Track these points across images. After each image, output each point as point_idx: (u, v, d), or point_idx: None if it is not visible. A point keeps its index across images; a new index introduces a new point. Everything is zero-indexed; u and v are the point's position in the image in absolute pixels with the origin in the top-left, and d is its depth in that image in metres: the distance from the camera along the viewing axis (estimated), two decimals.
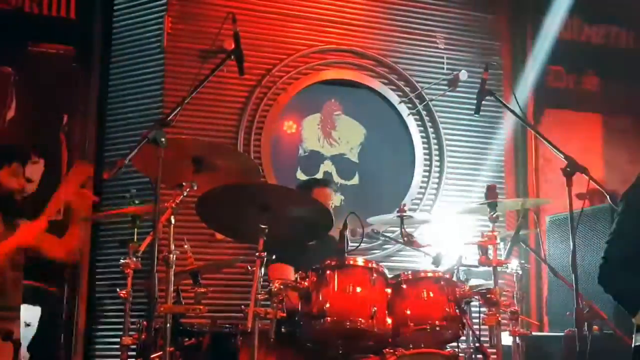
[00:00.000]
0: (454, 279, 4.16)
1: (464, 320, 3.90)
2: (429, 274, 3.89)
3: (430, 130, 5.69)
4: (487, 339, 4.24)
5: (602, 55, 6.58)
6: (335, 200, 4.74)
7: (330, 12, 5.61)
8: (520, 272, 4.51)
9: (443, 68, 5.77)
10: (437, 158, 5.69)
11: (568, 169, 3.73)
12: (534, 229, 5.22)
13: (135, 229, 3.64)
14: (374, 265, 3.67)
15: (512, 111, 4.18)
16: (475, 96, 3.89)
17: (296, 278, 3.47)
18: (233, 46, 3.23)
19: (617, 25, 6.61)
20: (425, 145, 5.67)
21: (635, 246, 2.57)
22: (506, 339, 4.24)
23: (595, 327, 4.16)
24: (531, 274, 5.65)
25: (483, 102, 4.32)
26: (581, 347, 3.31)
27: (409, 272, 3.89)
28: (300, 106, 5.50)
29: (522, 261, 4.64)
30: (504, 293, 4.39)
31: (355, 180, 5.52)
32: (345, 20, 5.63)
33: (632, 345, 2.69)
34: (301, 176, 5.37)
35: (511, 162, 6.08)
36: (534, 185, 6.08)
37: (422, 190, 5.62)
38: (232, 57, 3.22)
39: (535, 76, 6.16)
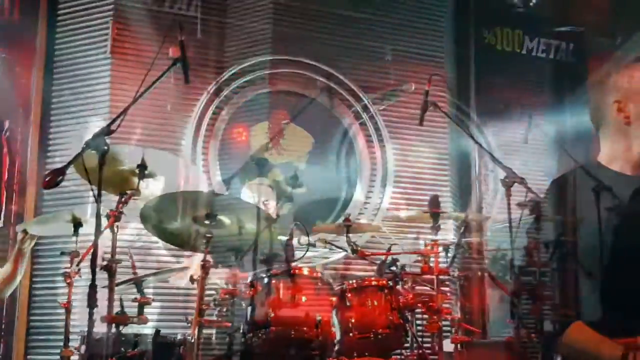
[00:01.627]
0: (398, 287, 4.20)
1: (407, 328, 3.93)
2: (373, 283, 3.90)
3: (377, 140, 5.68)
4: (430, 346, 4.34)
5: (543, 67, 6.65)
6: (284, 206, 4.68)
7: (282, 23, 5.58)
8: (462, 280, 4.55)
9: (390, 79, 5.79)
10: (383, 166, 5.69)
11: (506, 180, 3.83)
12: (477, 237, 5.24)
13: (76, 237, 3.55)
14: (319, 274, 3.65)
15: (456, 123, 4.21)
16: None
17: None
18: (179, 54, 3.16)
19: (557, 39, 6.68)
20: (372, 155, 5.66)
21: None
22: (448, 346, 4.28)
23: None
24: (473, 281, 5.67)
25: (429, 113, 4.39)
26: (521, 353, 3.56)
27: (354, 281, 3.90)
28: (249, 114, 5.46)
29: (464, 269, 4.68)
30: (446, 301, 4.46)
31: (303, 188, 5.47)
32: (296, 32, 5.61)
33: None
34: (249, 184, 5.29)
35: (456, 171, 6.08)
36: (477, 195, 6.10)
37: (368, 200, 5.60)
38: (178, 65, 3.15)
39: (476, 87, 6.22)
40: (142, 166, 3.17)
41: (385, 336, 3.71)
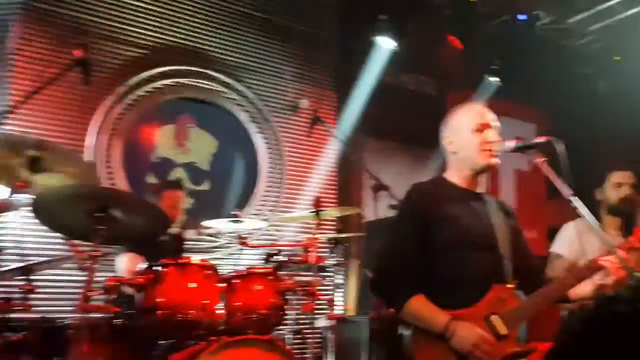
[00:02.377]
0: (283, 274, 3.91)
1: (286, 309, 3.62)
2: (259, 271, 3.53)
3: (274, 147, 5.26)
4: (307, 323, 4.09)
5: (413, 98, 6.43)
6: (186, 202, 4.16)
7: (189, 36, 5.00)
8: (337, 267, 4.32)
9: (288, 96, 5.42)
10: (279, 171, 5.28)
11: (374, 186, 3.67)
12: (354, 232, 4.99)
13: None
14: (208, 263, 3.22)
15: (336, 136, 4.04)
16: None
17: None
18: (82, 55, 2.64)
19: (424, 75, 6.50)
20: (270, 160, 5.21)
21: (400, 255, 2.42)
22: (324, 322, 4.10)
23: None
24: (348, 269, 5.36)
25: (318, 127, 4.16)
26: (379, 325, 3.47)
27: (243, 269, 3.53)
28: (156, 116, 4.80)
29: (342, 258, 4.43)
30: (323, 285, 4.20)
31: (205, 186, 4.96)
32: (204, 45, 5.07)
33: (398, 333, 2.64)
34: (152, 181, 4.71)
35: (342, 176, 5.75)
36: (359, 196, 5.78)
37: (266, 197, 5.14)
38: (80, 65, 2.63)
39: (363, 109, 5.88)
40: (36, 159, 2.59)
41: (266, 316, 3.36)
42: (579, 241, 3.32)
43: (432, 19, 5.90)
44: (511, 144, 2.42)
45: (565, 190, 2.25)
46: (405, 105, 6.32)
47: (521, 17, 5.94)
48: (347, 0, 5.63)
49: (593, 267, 2.41)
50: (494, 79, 6.24)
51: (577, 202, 2.23)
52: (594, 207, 3.48)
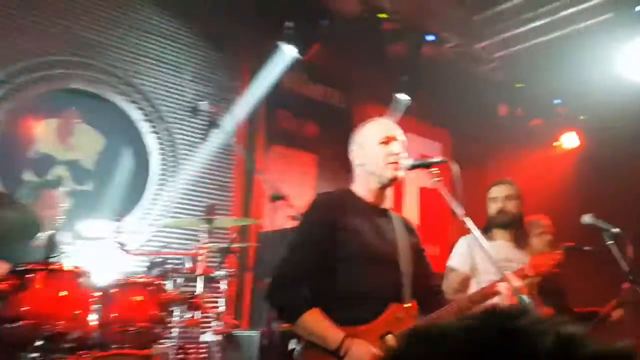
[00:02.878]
0: (170, 284, 3.82)
1: (168, 322, 3.54)
2: (139, 280, 3.44)
3: (169, 149, 5.13)
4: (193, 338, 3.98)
5: (320, 109, 6.52)
6: (65, 202, 3.94)
7: (80, 25, 4.76)
8: (228, 278, 4.25)
9: (187, 97, 5.28)
10: (172, 175, 5.13)
11: (272, 196, 3.66)
12: (247, 243, 4.96)
13: None
14: (82, 270, 3.08)
15: (234, 143, 4.00)
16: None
17: None
18: None
19: (332, 87, 6.60)
20: (163, 163, 5.08)
21: (299, 265, 2.45)
22: (210, 337, 3.93)
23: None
24: (240, 280, 5.30)
25: (217, 131, 4.09)
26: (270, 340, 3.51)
27: (121, 277, 3.41)
28: (38, 109, 4.55)
29: (232, 269, 4.37)
30: (210, 297, 4.14)
31: (88, 186, 4.74)
32: (96, 36, 4.84)
33: (288, 348, 2.66)
34: (30, 177, 4.44)
35: (240, 184, 5.69)
36: (258, 205, 5.76)
37: (156, 201, 5.00)
38: None
39: (266, 116, 5.96)
40: None
41: (146, 329, 3.30)
42: (471, 255, 3.49)
43: (341, 32, 6.01)
44: (409, 161, 2.53)
45: (458, 210, 2.37)
46: (312, 115, 6.41)
47: (429, 37, 6.19)
48: (257, 4, 5.61)
49: (489, 292, 2.54)
50: (401, 96, 6.44)
51: (469, 222, 2.35)
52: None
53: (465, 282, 3.41)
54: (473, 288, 3.33)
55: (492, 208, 3.71)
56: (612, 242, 3.70)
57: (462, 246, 3.63)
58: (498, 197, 3.70)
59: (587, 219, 3.79)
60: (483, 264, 3.39)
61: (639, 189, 8.24)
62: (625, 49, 5.86)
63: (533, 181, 7.21)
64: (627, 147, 7.88)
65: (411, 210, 7.24)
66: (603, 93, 7.29)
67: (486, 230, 3.68)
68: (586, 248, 4.27)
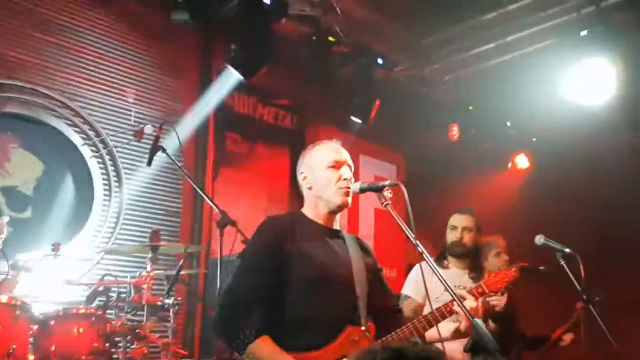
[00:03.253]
0: (114, 314, 3.73)
1: (113, 354, 3.45)
2: (81, 311, 3.35)
3: (113, 174, 5.07)
4: None
5: (271, 131, 6.58)
6: (3, 231, 3.80)
7: (14, 47, 4.66)
8: (176, 307, 4.16)
9: (130, 120, 5.24)
10: (117, 201, 5.06)
11: (221, 222, 3.61)
12: (196, 270, 4.88)
13: None
14: (18, 301, 2.97)
15: (180, 167, 3.97)
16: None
17: None
18: None
19: (283, 109, 6.68)
20: (106, 188, 5.00)
21: (246, 293, 2.43)
22: None
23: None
24: (189, 308, 5.21)
25: (164, 156, 4.04)
26: None
27: (61, 308, 3.30)
28: None
29: (180, 297, 4.29)
30: (157, 327, 4.05)
31: (27, 213, 4.60)
32: (32, 58, 4.75)
33: None
34: None
35: (188, 209, 5.64)
36: (207, 232, 5.70)
37: (99, 228, 4.89)
38: None
39: (215, 139, 5.98)
40: None
41: None
42: (424, 283, 3.53)
43: (292, 55, 6.09)
44: (357, 185, 2.56)
45: (410, 234, 2.42)
46: (263, 137, 6.45)
47: (379, 60, 6.33)
48: (203, 26, 5.62)
49: (445, 312, 2.61)
50: (354, 118, 6.54)
51: (420, 247, 2.39)
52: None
53: (418, 309, 3.51)
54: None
55: (450, 236, 3.87)
56: (564, 262, 3.80)
57: (415, 272, 3.72)
58: (458, 226, 3.86)
59: (540, 239, 3.89)
60: (436, 291, 3.46)
61: (589, 209, 8.56)
62: (571, 73, 6.10)
63: (487, 202, 7.41)
64: (576, 168, 8.19)
65: (367, 233, 7.30)
66: (551, 115, 7.58)
67: (441, 256, 3.85)
68: (541, 268, 4.39)
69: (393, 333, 2.50)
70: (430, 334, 2.61)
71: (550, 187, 8.08)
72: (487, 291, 2.92)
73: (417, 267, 3.71)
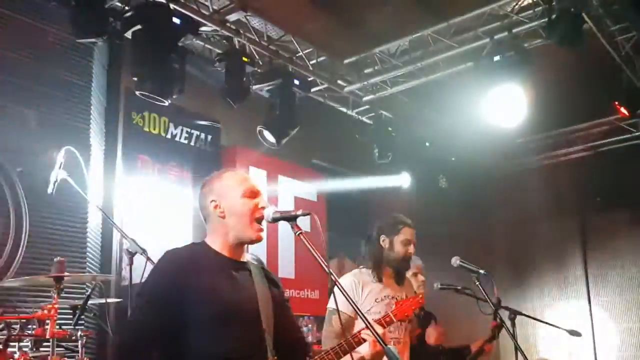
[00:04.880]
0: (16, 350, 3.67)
1: None
2: None
3: (14, 200, 4.99)
4: None
5: (183, 151, 6.70)
6: None
7: None
8: (84, 339, 4.16)
9: (32, 143, 5.16)
10: (19, 227, 4.97)
11: (130, 250, 3.63)
12: (106, 299, 4.86)
13: None
14: None
15: (83, 194, 4.00)
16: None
17: None
18: None
19: (197, 130, 6.81)
20: (7, 215, 4.91)
21: (141, 330, 2.47)
22: None
23: None
24: (100, 339, 5.19)
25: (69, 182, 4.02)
26: None
27: None
28: None
29: (88, 329, 4.30)
30: None
31: None
32: None
33: None
34: None
35: (96, 237, 5.65)
36: (112, 260, 5.75)
37: None
38: None
39: (125, 163, 6.06)
40: None
41: None
42: (353, 295, 3.69)
43: (204, 74, 6.23)
44: (270, 214, 2.62)
45: (323, 262, 2.50)
46: (177, 159, 6.53)
47: (296, 81, 6.55)
48: (108, 47, 5.66)
49: (354, 341, 2.77)
50: (271, 138, 6.70)
51: (333, 275, 2.55)
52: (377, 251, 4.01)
53: (349, 323, 3.60)
54: (357, 329, 3.53)
55: (402, 250, 3.92)
56: (478, 283, 4.06)
57: (345, 285, 3.80)
58: (411, 241, 3.95)
59: (455, 261, 4.13)
60: (367, 304, 3.72)
61: (504, 228, 9.11)
62: (488, 96, 6.53)
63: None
64: (491, 187, 8.72)
65: (288, 255, 7.46)
66: (469, 136, 8.05)
67: (378, 268, 3.92)
68: (458, 287, 4.70)
69: None
70: None
71: (466, 206, 8.56)
72: (394, 320, 3.12)
73: (347, 280, 3.84)
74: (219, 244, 2.63)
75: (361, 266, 4.03)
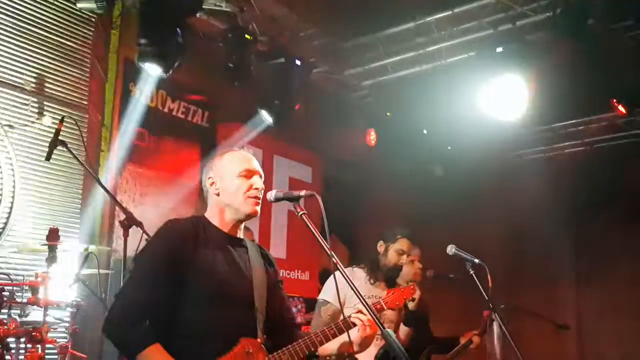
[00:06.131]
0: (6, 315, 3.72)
1: (5, 357, 3.49)
2: None
3: (8, 166, 4.96)
4: None
5: (180, 126, 6.63)
6: None
7: None
8: (76, 309, 4.20)
9: (27, 110, 5.15)
10: (11, 195, 4.98)
11: (125, 222, 3.65)
12: (98, 269, 4.88)
13: None
14: None
15: (81, 163, 4.01)
16: None
17: None
18: None
19: (195, 105, 6.75)
20: (0, 182, 4.92)
21: (137, 301, 2.50)
22: None
23: None
24: (90, 310, 5.20)
25: (65, 150, 4.03)
26: None
27: None
28: None
29: (80, 299, 4.32)
30: (55, 329, 4.07)
31: None
32: None
33: None
34: None
35: (90, 206, 5.63)
36: (110, 230, 5.73)
37: None
38: None
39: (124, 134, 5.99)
40: None
41: None
42: (343, 288, 3.76)
43: (205, 50, 6.18)
44: (273, 194, 2.67)
45: (325, 245, 2.53)
46: (172, 133, 6.52)
47: (298, 62, 6.52)
48: (112, 18, 5.62)
49: (343, 326, 2.81)
50: (267, 117, 6.68)
51: (334, 257, 2.54)
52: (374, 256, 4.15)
53: (337, 315, 3.69)
54: None
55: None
56: (473, 272, 4.11)
57: (338, 278, 3.88)
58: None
59: (451, 249, 4.19)
60: (352, 300, 3.72)
61: (499, 218, 9.16)
62: (488, 87, 6.54)
63: (400, 208, 7.80)
64: (487, 178, 8.75)
65: (280, 235, 7.51)
66: (467, 126, 8.06)
67: (374, 270, 4.13)
68: (451, 276, 4.75)
69: (290, 346, 2.64)
70: (322, 348, 2.78)
71: (463, 195, 8.59)
72: (385, 308, 3.18)
73: (338, 274, 3.93)
74: (217, 219, 2.70)
75: (354, 266, 4.21)
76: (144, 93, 6.14)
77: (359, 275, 4.10)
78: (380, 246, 4.17)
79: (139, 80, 6.00)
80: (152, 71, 5.47)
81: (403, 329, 4.39)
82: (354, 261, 4.32)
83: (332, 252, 2.51)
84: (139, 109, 6.11)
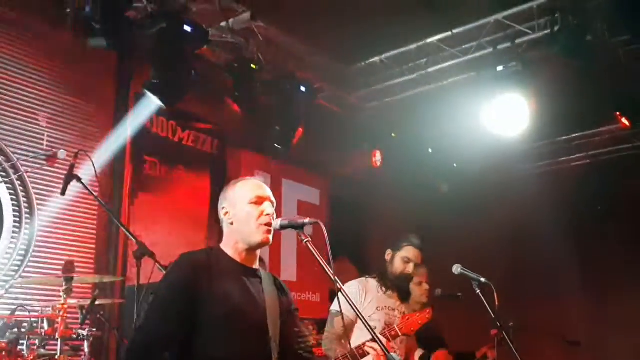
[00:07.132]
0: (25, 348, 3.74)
1: None
2: None
3: (23, 200, 5.10)
4: None
5: (191, 154, 6.74)
6: None
7: None
8: (90, 339, 4.24)
9: (43, 145, 5.29)
10: (27, 227, 5.10)
11: (138, 252, 3.69)
12: (111, 299, 4.95)
13: None
14: None
15: (96, 198, 4.07)
16: None
17: None
18: None
19: (204, 134, 6.83)
20: (16, 214, 5.04)
21: (155, 333, 2.54)
22: None
23: None
24: (104, 339, 5.26)
25: (79, 184, 4.09)
26: None
27: None
28: None
29: (94, 329, 4.36)
30: None
31: None
32: None
33: None
34: None
35: (103, 237, 5.71)
36: (122, 260, 5.80)
37: (8, 257, 4.92)
38: None
39: (132, 164, 6.09)
40: None
41: None
42: (358, 301, 3.82)
43: (213, 79, 6.28)
44: (278, 222, 2.71)
45: (329, 271, 2.56)
46: (182, 162, 6.61)
47: (302, 87, 6.60)
48: (122, 52, 5.73)
49: (358, 353, 2.84)
50: (277, 143, 6.76)
51: (339, 283, 2.60)
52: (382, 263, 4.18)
53: (350, 326, 3.70)
54: (356, 333, 3.64)
55: (400, 268, 4.12)
56: (479, 291, 4.12)
57: (351, 291, 3.94)
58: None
59: (457, 269, 4.21)
60: (368, 311, 3.85)
61: (502, 235, 9.15)
62: (490, 105, 6.59)
63: (411, 225, 7.80)
64: (491, 194, 8.77)
65: (290, 259, 7.54)
66: (471, 144, 8.11)
67: (383, 279, 4.11)
68: (459, 294, 4.76)
69: None
70: None
71: (468, 211, 8.60)
72: (400, 334, 3.19)
73: (353, 285, 3.99)
74: (231, 249, 2.72)
75: (366, 276, 4.20)
76: (153, 124, 6.25)
77: (372, 284, 4.09)
78: (388, 254, 4.17)
79: (149, 112, 6.12)
80: (161, 103, 5.56)
81: (419, 352, 4.41)
82: (364, 274, 4.32)
83: (336, 278, 2.54)
84: (150, 138, 6.22)
